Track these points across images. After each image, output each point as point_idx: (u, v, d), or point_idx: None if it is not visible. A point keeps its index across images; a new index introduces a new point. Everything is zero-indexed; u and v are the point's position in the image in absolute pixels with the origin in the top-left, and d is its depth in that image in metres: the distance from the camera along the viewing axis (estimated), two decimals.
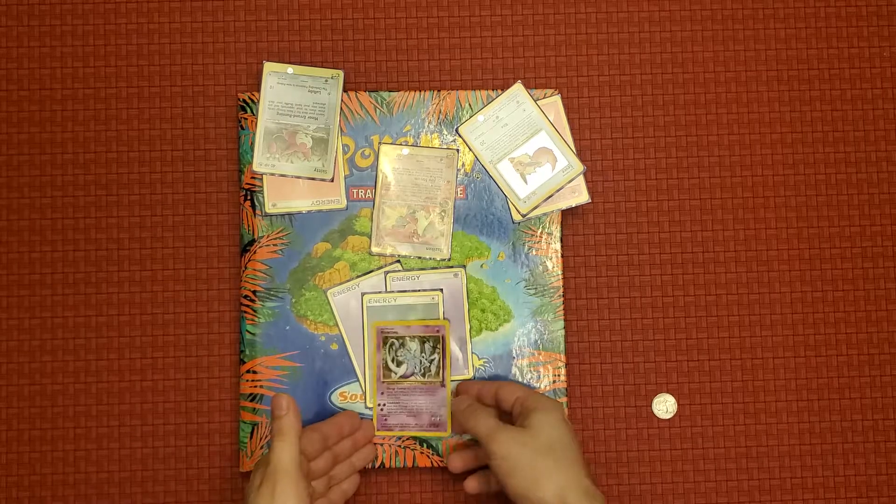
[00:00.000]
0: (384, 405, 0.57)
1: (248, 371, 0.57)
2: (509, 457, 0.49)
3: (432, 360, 0.57)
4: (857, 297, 0.60)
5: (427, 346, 0.57)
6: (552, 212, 0.58)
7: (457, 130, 0.58)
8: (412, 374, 0.57)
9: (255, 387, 0.57)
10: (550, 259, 0.58)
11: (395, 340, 0.57)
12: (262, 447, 0.56)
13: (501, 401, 0.53)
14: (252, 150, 0.58)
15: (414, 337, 0.57)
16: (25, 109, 0.60)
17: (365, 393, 0.57)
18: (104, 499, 0.58)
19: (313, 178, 0.58)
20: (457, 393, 0.57)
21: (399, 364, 0.57)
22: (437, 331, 0.57)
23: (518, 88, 0.59)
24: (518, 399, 0.52)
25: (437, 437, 0.57)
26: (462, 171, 0.58)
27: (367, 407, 0.57)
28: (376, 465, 0.57)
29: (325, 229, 0.58)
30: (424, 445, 0.57)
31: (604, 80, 0.61)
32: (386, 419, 0.57)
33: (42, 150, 0.60)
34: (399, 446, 0.57)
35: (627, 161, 0.61)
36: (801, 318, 0.60)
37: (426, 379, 0.57)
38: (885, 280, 0.60)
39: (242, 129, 0.58)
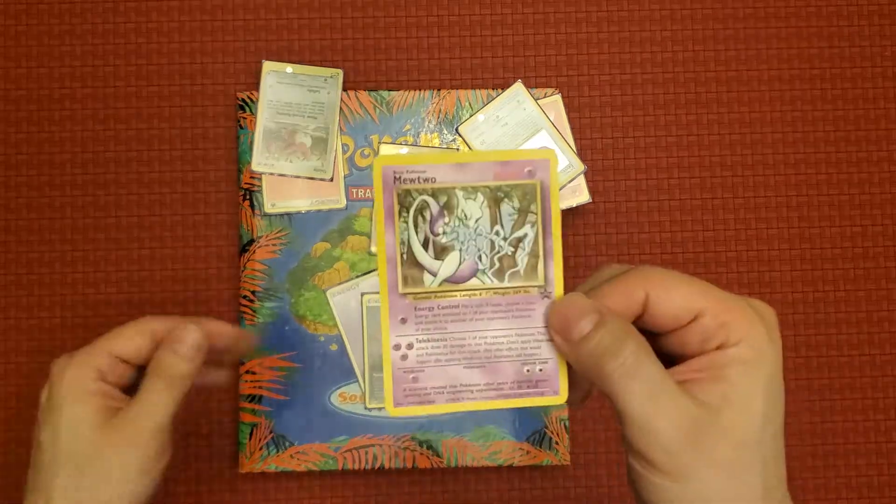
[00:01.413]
0: (411, 346, 0.30)
1: (246, 372, 0.57)
2: (674, 453, 0.28)
3: (521, 237, 0.31)
4: (858, 297, 0.60)
5: (506, 206, 0.30)
6: None
7: (457, 130, 0.58)
8: (473, 275, 0.30)
9: (255, 387, 0.57)
10: None
11: (429, 199, 0.30)
12: (261, 447, 0.56)
13: (658, 315, 0.30)
14: (251, 149, 0.57)
15: (477, 189, 0.30)
16: (23, 109, 0.60)
17: (365, 393, 0.57)
18: None
19: (312, 178, 0.57)
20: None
21: (443, 251, 0.30)
22: (529, 173, 0.30)
23: (518, 87, 0.58)
24: (702, 320, 0.29)
25: (539, 407, 0.36)
26: None
27: (366, 408, 0.57)
28: (375, 466, 0.57)
29: (324, 229, 0.57)
30: (425, 446, 0.57)
31: (605, 80, 0.61)
32: (415, 378, 0.30)
33: (39, 150, 0.59)
34: (399, 447, 0.57)
35: (628, 160, 0.60)
36: (803, 319, 0.60)
37: (506, 283, 0.31)
38: (886, 280, 0.60)
39: (241, 128, 0.58)
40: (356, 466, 0.56)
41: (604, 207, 0.60)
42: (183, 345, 0.41)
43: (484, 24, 0.61)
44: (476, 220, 0.30)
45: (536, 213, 0.30)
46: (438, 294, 0.30)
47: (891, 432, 0.59)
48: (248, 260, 0.57)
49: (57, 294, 0.59)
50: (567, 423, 0.57)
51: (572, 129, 0.60)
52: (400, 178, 0.30)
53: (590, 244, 0.60)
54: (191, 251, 0.59)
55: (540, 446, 0.57)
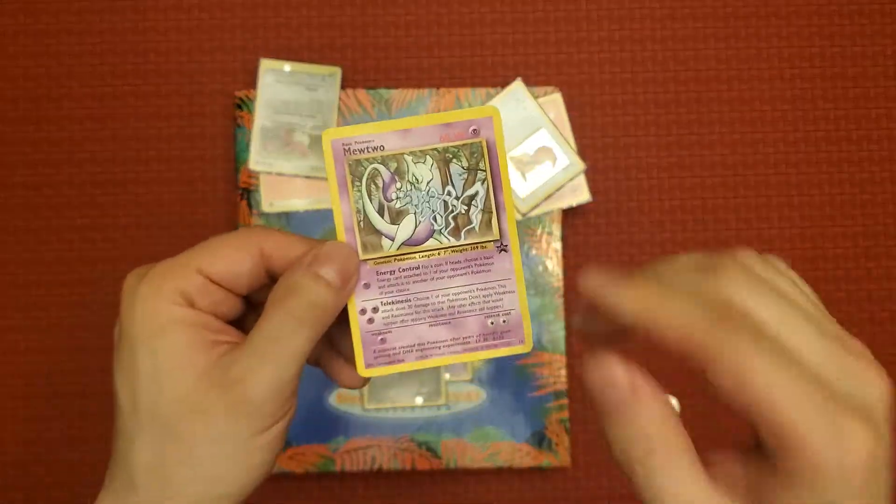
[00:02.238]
0: (376, 309, 0.31)
1: None
2: None
3: (472, 195, 0.31)
4: (860, 296, 0.60)
5: (455, 167, 0.31)
6: (552, 211, 0.58)
7: None
8: (430, 236, 0.31)
9: None
10: (550, 259, 0.57)
11: (379, 166, 0.31)
12: None
13: (713, 391, 0.23)
14: (248, 148, 0.57)
15: (425, 153, 0.31)
16: (20, 108, 0.59)
17: (363, 394, 0.57)
18: None
19: (310, 177, 0.57)
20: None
21: (398, 216, 0.31)
22: (474, 132, 0.31)
23: (518, 86, 0.58)
24: (761, 426, 0.22)
25: (508, 356, 0.34)
26: None
27: (364, 409, 0.57)
28: (374, 468, 0.56)
29: (322, 228, 0.57)
30: (423, 448, 0.56)
31: (605, 78, 0.60)
32: (383, 340, 0.31)
33: (36, 149, 0.59)
34: (398, 449, 0.56)
35: (629, 159, 0.60)
36: None
37: (463, 241, 0.31)
38: (888, 280, 0.60)
39: (239, 127, 0.58)
40: (355, 468, 0.56)
41: (604, 207, 0.60)
42: (328, 267, 0.29)
43: (483, 22, 0.60)
44: (427, 183, 0.31)
45: (485, 171, 0.31)
46: (398, 257, 0.31)
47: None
48: None
49: (54, 294, 0.58)
50: (567, 425, 0.57)
51: (572, 127, 0.59)
52: (349, 149, 0.31)
53: (590, 244, 0.59)
54: None
55: (540, 447, 0.56)
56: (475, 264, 0.31)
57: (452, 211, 0.31)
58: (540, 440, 0.56)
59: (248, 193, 0.57)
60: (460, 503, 0.58)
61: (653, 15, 0.61)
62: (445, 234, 0.31)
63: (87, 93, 0.59)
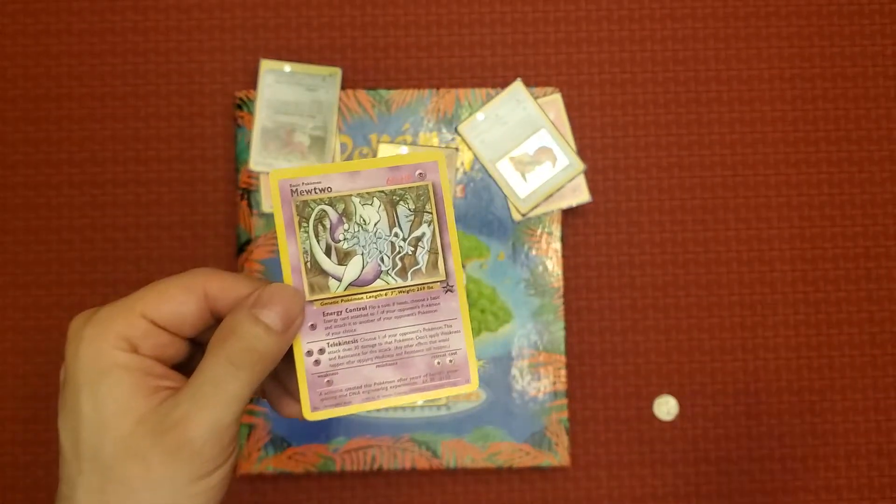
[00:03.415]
0: (323, 350, 0.31)
1: None
2: None
3: (419, 237, 0.32)
4: (859, 297, 0.60)
5: (402, 209, 0.32)
6: (552, 211, 0.58)
7: (456, 129, 0.58)
8: (377, 277, 0.31)
9: None
10: (550, 259, 0.57)
11: (327, 208, 0.31)
12: (259, 449, 0.56)
13: None
14: (249, 148, 0.57)
15: (372, 195, 0.31)
16: (19, 108, 0.59)
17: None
18: None
19: None
20: None
21: (345, 257, 0.31)
22: (420, 175, 0.32)
23: (518, 86, 0.58)
24: None
25: (453, 395, 0.34)
26: (461, 169, 0.58)
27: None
28: (374, 468, 0.56)
29: None
30: (423, 448, 0.56)
31: (605, 78, 0.60)
32: (329, 382, 0.31)
33: (36, 149, 0.59)
34: (398, 449, 0.56)
35: (629, 160, 0.60)
36: (804, 319, 0.60)
37: (410, 281, 0.32)
38: (887, 280, 0.60)
39: (239, 127, 0.58)
40: (354, 468, 0.56)
41: (604, 207, 0.60)
42: (270, 310, 0.29)
43: (483, 22, 0.60)
44: (375, 224, 0.31)
45: (432, 213, 0.31)
46: (345, 298, 0.31)
47: (892, 433, 0.59)
48: (246, 260, 0.57)
49: (53, 294, 0.58)
50: (567, 424, 0.57)
51: (572, 127, 0.59)
52: (297, 190, 0.31)
53: (590, 244, 0.59)
54: (188, 251, 0.59)
55: (540, 447, 0.56)
56: (422, 305, 0.32)
57: (400, 252, 0.31)
58: (540, 440, 0.56)
59: (248, 194, 0.57)
60: (460, 503, 0.58)
61: (652, 15, 0.61)
62: (392, 274, 0.31)
63: (87, 93, 0.59)
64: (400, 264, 0.31)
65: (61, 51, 0.60)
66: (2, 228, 0.59)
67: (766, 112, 0.61)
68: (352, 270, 0.31)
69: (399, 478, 0.58)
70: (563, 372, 0.57)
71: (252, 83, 0.59)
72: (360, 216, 0.31)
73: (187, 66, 0.60)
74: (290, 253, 0.30)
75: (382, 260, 0.31)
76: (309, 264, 0.31)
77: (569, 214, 0.59)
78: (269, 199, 0.57)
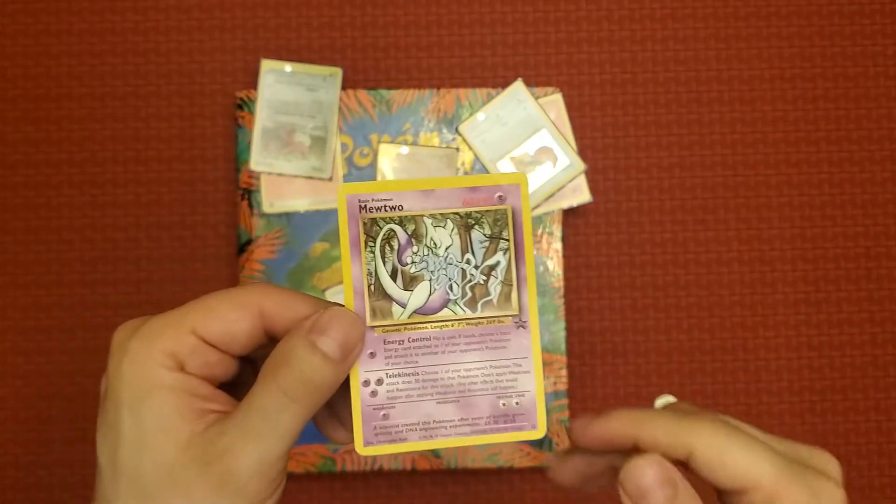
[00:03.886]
0: (381, 381, 0.29)
1: None
2: None
3: (493, 265, 0.29)
4: (860, 297, 0.60)
5: (477, 234, 0.29)
6: (553, 211, 0.58)
7: (457, 129, 0.58)
8: (444, 306, 0.29)
9: None
10: (551, 259, 0.57)
11: (396, 227, 0.29)
12: None
13: (700, 475, 0.27)
14: (249, 148, 0.57)
15: (446, 216, 0.29)
16: (20, 108, 0.59)
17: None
18: None
19: (311, 178, 0.57)
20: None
21: (412, 281, 0.29)
22: (500, 198, 0.29)
23: (518, 86, 0.58)
24: (749, 495, 0.27)
25: (514, 440, 0.30)
26: (462, 169, 0.58)
27: None
28: (374, 468, 0.56)
29: (323, 229, 0.57)
30: None
31: (605, 78, 0.60)
32: (385, 416, 0.29)
33: (36, 149, 0.59)
34: None
35: (629, 160, 0.60)
36: (805, 319, 0.59)
37: (479, 313, 0.29)
38: (888, 280, 0.60)
39: (239, 127, 0.58)
40: (355, 468, 0.56)
41: (604, 207, 0.60)
42: (328, 337, 0.27)
43: (484, 22, 0.60)
44: (446, 249, 0.29)
45: (509, 240, 0.29)
46: (408, 326, 0.29)
47: (892, 433, 0.59)
48: (247, 260, 0.57)
49: (54, 294, 0.58)
50: (568, 424, 0.57)
51: (573, 127, 0.59)
52: (365, 206, 0.29)
53: (590, 244, 0.59)
54: (188, 251, 0.59)
55: (540, 447, 0.56)
56: (490, 339, 0.29)
57: (470, 280, 0.29)
58: (541, 440, 0.56)
59: (248, 194, 0.57)
60: (461, 503, 0.58)
61: (653, 15, 0.61)
62: (461, 304, 0.29)
63: (88, 93, 0.59)
64: (470, 294, 0.29)
65: (61, 51, 0.60)
66: (2, 228, 0.59)
67: (767, 112, 0.61)
68: (418, 297, 0.29)
69: (400, 478, 0.58)
70: (563, 372, 0.57)
71: (252, 83, 0.59)
72: (431, 239, 0.29)
73: (188, 66, 0.60)
74: (353, 274, 0.28)
75: (451, 288, 0.29)
76: (373, 287, 0.29)
77: (569, 214, 0.59)
78: (270, 199, 0.57)
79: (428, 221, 0.29)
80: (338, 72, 0.58)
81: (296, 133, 0.57)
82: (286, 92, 0.58)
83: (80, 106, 0.59)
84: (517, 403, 0.29)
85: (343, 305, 0.28)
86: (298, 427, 0.27)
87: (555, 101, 0.58)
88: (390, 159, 0.58)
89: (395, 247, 0.29)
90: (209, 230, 0.59)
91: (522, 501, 0.58)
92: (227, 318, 0.28)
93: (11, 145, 0.59)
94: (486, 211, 0.29)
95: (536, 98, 0.58)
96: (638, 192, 0.60)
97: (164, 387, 0.26)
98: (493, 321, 0.29)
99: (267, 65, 0.58)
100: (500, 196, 0.29)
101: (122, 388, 0.26)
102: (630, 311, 0.59)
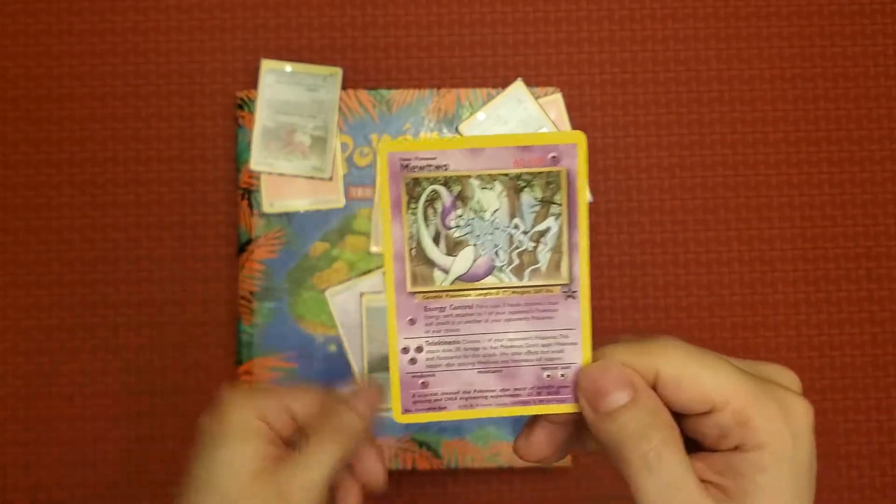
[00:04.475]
0: (420, 349, 0.28)
1: (244, 372, 0.56)
2: None
3: (542, 231, 0.28)
4: (860, 297, 0.60)
5: (527, 197, 0.28)
6: None
7: (457, 129, 0.58)
8: (489, 273, 0.28)
9: None
10: None
11: (440, 188, 0.27)
12: None
13: (668, 398, 0.27)
14: (249, 148, 0.57)
15: (494, 178, 0.27)
16: (20, 108, 0.59)
17: None
18: (101, 501, 0.57)
19: (311, 177, 0.57)
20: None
21: (456, 247, 0.28)
22: (553, 159, 0.27)
23: (519, 86, 0.58)
24: (718, 414, 0.27)
25: (556, 412, 0.29)
26: None
27: None
28: None
29: (323, 229, 0.57)
30: (424, 448, 0.56)
31: (605, 78, 0.60)
32: (424, 384, 0.28)
33: (37, 149, 0.59)
34: (399, 449, 0.56)
35: (630, 160, 0.60)
36: (805, 319, 0.59)
37: (526, 282, 0.28)
38: (888, 280, 0.60)
39: (240, 127, 0.58)
40: None
41: (605, 207, 0.60)
42: (360, 401, 0.36)
43: (484, 22, 0.60)
44: (493, 213, 0.28)
45: (561, 205, 0.27)
46: (450, 293, 0.28)
47: (893, 433, 0.59)
48: (247, 260, 0.57)
49: (54, 294, 0.58)
50: None
51: (573, 127, 0.59)
52: (408, 165, 0.27)
53: (591, 244, 0.59)
54: (189, 251, 0.59)
55: None
56: (537, 309, 0.28)
57: (518, 247, 0.28)
58: None
59: (248, 194, 0.57)
60: (461, 503, 0.58)
61: (654, 15, 0.61)
62: (507, 271, 0.28)
63: (88, 93, 0.59)
64: (517, 261, 0.28)
65: (62, 51, 0.60)
66: (2, 228, 0.59)
67: (768, 112, 0.61)
68: (461, 263, 0.28)
69: (400, 478, 0.58)
70: None
71: (253, 83, 0.59)
72: (478, 201, 0.27)
73: (188, 66, 0.60)
74: (393, 237, 0.27)
75: (497, 254, 0.28)
76: (414, 251, 0.28)
77: None
78: (270, 199, 0.57)
79: (475, 183, 0.27)
80: (338, 72, 0.58)
81: (296, 133, 0.57)
82: (286, 92, 0.58)
83: (80, 106, 0.59)
84: (562, 375, 0.29)
85: (370, 384, 0.35)
86: (335, 462, 0.34)
87: (555, 100, 0.58)
88: None
89: (439, 209, 0.27)
90: (209, 230, 0.59)
91: (523, 502, 0.58)
92: (306, 400, 0.36)
93: (12, 145, 0.59)
94: (539, 173, 0.27)
95: (537, 98, 0.58)
96: (638, 192, 0.60)
97: (252, 431, 0.35)
98: (541, 290, 0.28)
99: (267, 65, 0.58)
100: (553, 157, 0.27)
101: (223, 425, 0.35)
102: (630, 311, 0.59)
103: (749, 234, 0.60)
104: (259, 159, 0.57)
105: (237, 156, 0.58)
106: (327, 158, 0.57)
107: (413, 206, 0.27)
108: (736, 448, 0.27)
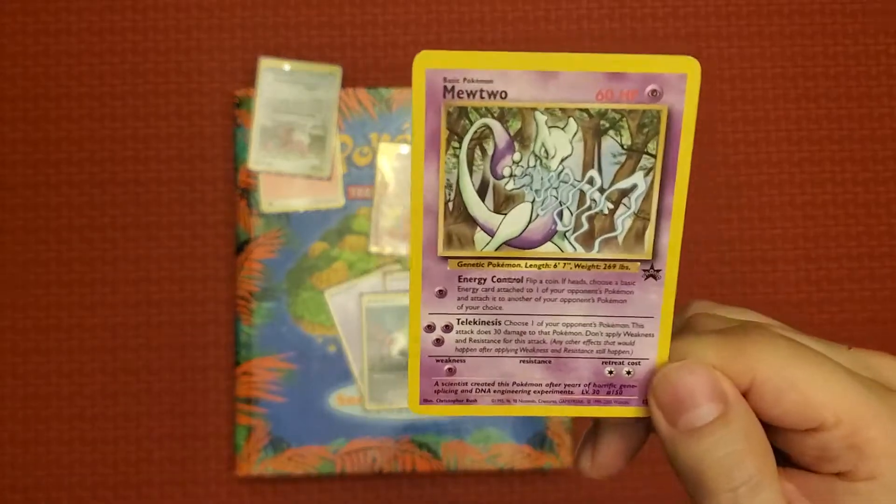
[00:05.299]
0: (450, 327, 0.23)
1: (243, 373, 0.56)
2: None
3: (626, 190, 0.22)
4: (863, 296, 0.59)
5: (610, 142, 0.21)
6: None
7: None
8: (547, 238, 0.22)
9: (251, 389, 0.56)
10: None
11: (494, 123, 0.21)
12: (258, 450, 0.56)
13: (764, 412, 0.22)
14: (248, 147, 0.57)
15: (569, 114, 0.21)
16: (19, 108, 0.59)
17: (363, 395, 0.56)
18: (99, 501, 0.57)
19: (310, 177, 0.57)
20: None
21: (507, 202, 0.22)
22: (653, 94, 0.21)
23: None
24: (825, 433, 0.21)
25: (614, 415, 0.25)
26: None
27: (365, 410, 0.56)
28: (374, 470, 0.56)
29: (322, 228, 0.57)
30: (424, 449, 0.56)
31: None
32: (451, 370, 0.23)
33: (35, 149, 0.59)
34: (398, 450, 0.56)
35: None
36: (807, 319, 0.59)
37: (595, 253, 0.22)
38: (891, 279, 0.60)
39: (238, 126, 0.57)
40: (354, 470, 0.56)
41: None
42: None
43: (484, 21, 0.60)
44: (562, 160, 0.21)
45: (656, 156, 0.21)
46: (494, 261, 0.22)
47: None
48: (246, 260, 0.56)
49: (52, 294, 0.58)
50: (569, 425, 0.56)
51: None
52: (453, 89, 0.20)
53: None
54: (187, 250, 0.58)
55: (541, 449, 0.56)
56: (606, 290, 0.22)
57: (590, 208, 0.21)
58: (541, 441, 0.56)
59: (247, 193, 0.57)
60: None
61: (654, 14, 0.61)
62: (571, 239, 0.22)
63: (86, 92, 0.59)
64: (586, 226, 0.22)
65: (60, 50, 0.59)
66: (1, 228, 0.58)
67: (770, 111, 0.60)
68: (513, 223, 0.21)
69: (399, 480, 0.57)
70: None
71: (251, 82, 0.59)
72: (543, 144, 0.21)
73: (186, 64, 0.59)
74: (425, 184, 0.21)
75: (561, 215, 0.21)
76: (451, 205, 0.21)
77: None
78: (269, 198, 0.57)
79: (541, 119, 0.21)
80: (337, 70, 0.58)
81: (295, 132, 0.57)
82: (285, 90, 0.57)
83: (78, 105, 0.59)
84: (628, 373, 0.23)
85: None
86: None
87: None
88: (390, 158, 0.57)
89: (490, 151, 0.21)
90: (208, 230, 0.58)
91: (523, 503, 0.58)
92: None
93: (10, 144, 0.59)
94: (631, 111, 0.21)
95: None
96: None
97: None
98: (614, 266, 0.22)
99: (266, 63, 0.58)
100: (653, 90, 0.21)
101: None
102: None
103: (751, 234, 0.60)
104: (258, 158, 0.57)
105: (235, 155, 0.57)
106: (326, 157, 0.57)
107: (455, 144, 0.21)
108: (841, 474, 0.21)
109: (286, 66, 0.58)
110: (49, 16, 0.60)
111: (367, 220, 0.57)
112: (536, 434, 0.56)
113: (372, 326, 0.57)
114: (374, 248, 0.57)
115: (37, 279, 0.58)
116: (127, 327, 0.58)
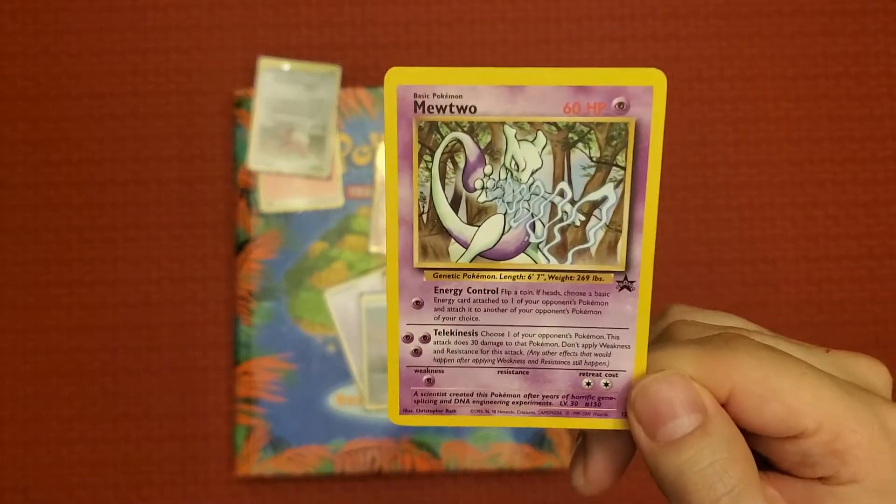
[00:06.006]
0: (427, 338, 0.23)
1: (243, 373, 0.56)
2: None
3: (596, 202, 0.22)
4: (863, 297, 0.59)
5: (579, 155, 0.22)
6: None
7: None
8: (521, 250, 0.22)
9: (251, 389, 0.56)
10: None
11: (464, 137, 0.21)
12: (257, 450, 0.56)
13: (743, 421, 0.22)
14: (247, 147, 0.57)
15: (538, 127, 0.21)
16: (19, 107, 0.59)
17: (363, 395, 0.56)
18: (99, 502, 0.57)
19: (310, 177, 0.57)
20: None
21: (480, 214, 0.22)
22: (619, 107, 0.21)
23: None
24: (806, 440, 0.21)
25: (592, 427, 0.24)
26: None
27: (365, 410, 0.56)
28: (374, 470, 0.56)
29: (321, 228, 0.57)
30: (423, 449, 0.56)
31: None
32: (430, 381, 0.24)
33: (35, 149, 0.59)
34: (398, 450, 0.56)
35: None
36: (807, 319, 0.59)
37: (569, 265, 0.22)
38: (891, 280, 0.59)
39: (237, 126, 0.57)
40: (354, 470, 0.56)
41: None
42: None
43: (484, 21, 0.60)
44: (532, 173, 0.21)
45: (625, 168, 0.22)
46: (469, 273, 0.22)
47: None
48: (245, 259, 0.56)
49: (52, 294, 0.58)
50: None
51: None
52: (423, 104, 0.21)
53: None
54: (187, 250, 0.58)
55: (541, 449, 0.56)
56: (581, 301, 0.23)
57: (562, 220, 0.22)
58: (541, 441, 0.56)
59: (247, 193, 0.57)
60: None
61: (654, 13, 0.61)
62: (545, 250, 0.22)
63: (86, 92, 0.59)
64: (559, 238, 0.22)
65: (60, 50, 0.59)
66: (1, 228, 0.58)
67: (770, 111, 0.60)
68: (486, 235, 0.22)
69: (399, 480, 0.57)
70: None
71: (251, 82, 0.59)
72: (513, 157, 0.21)
73: (186, 64, 0.59)
74: (399, 196, 0.21)
75: (534, 227, 0.22)
76: (425, 217, 0.22)
77: None
78: (268, 198, 0.57)
79: (511, 132, 0.21)
80: (337, 70, 0.58)
81: (294, 132, 0.57)
82: (285, 90, 0.57)
83: (78, 105, 0.59)
84: (606, 385, 0.23)
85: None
86: None
87: None
88: None
89: (462, 164, 0.21)
90: (207, 230, 0.58)
91: (523, 503, 0.58)
92: None
93: (10, 144, 0.59)
94: (598, 123, 0.21)
95: None
96: None
97: None
98: (588, 277, 0.22)
99: (265, 63, 0.58)
100: (619, 103, 0.21)
101: None
102: None
103: (751, 234, 0.59)
104: (257, 158, 0.57)
105: (235, 155, 0.57)
106: (326, 157, 0.57)
107: (427, 158, 0.21)
108: (822, 478, 0.22)
109: (286, 65, 0.58)
110: (48, 15, 0.60)
111: (367, 219, 0.57)
112: (536, 434, 0.56)
113: (371, 326, 0.56)
114: (373, 248, 0.57)
115: (36, 279, 0.58)
116: (127, 327, 0.58)
